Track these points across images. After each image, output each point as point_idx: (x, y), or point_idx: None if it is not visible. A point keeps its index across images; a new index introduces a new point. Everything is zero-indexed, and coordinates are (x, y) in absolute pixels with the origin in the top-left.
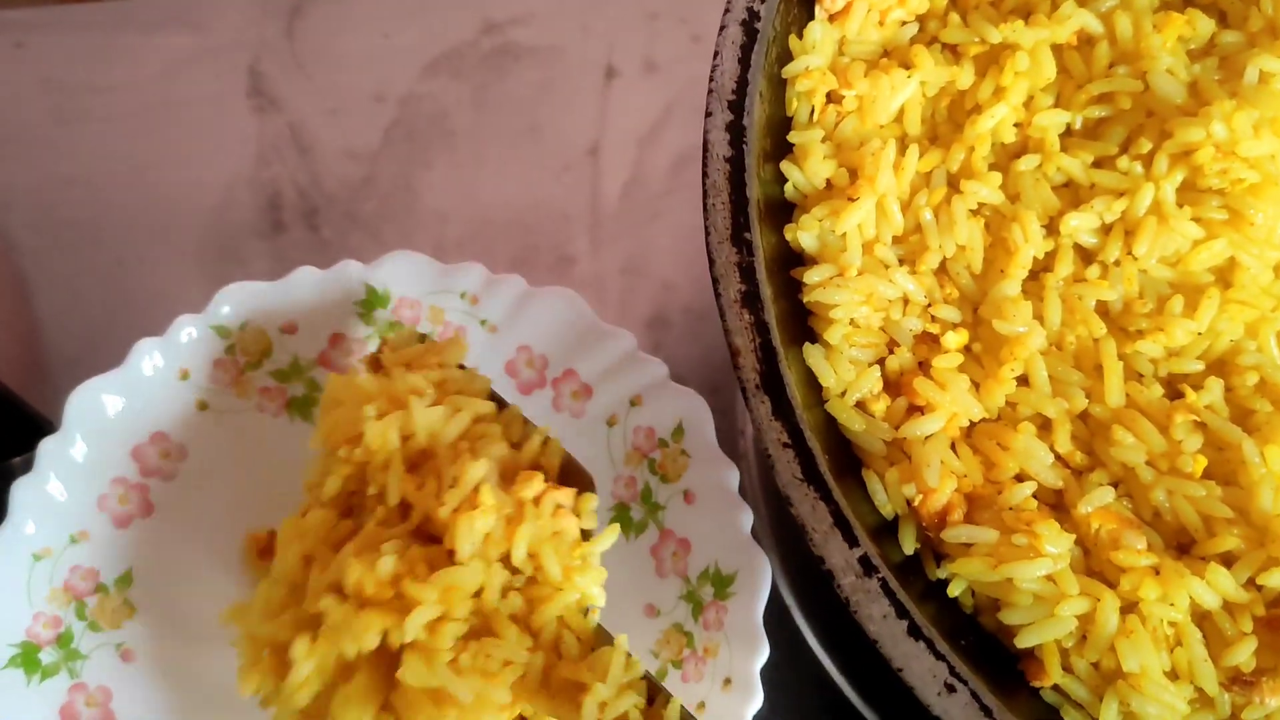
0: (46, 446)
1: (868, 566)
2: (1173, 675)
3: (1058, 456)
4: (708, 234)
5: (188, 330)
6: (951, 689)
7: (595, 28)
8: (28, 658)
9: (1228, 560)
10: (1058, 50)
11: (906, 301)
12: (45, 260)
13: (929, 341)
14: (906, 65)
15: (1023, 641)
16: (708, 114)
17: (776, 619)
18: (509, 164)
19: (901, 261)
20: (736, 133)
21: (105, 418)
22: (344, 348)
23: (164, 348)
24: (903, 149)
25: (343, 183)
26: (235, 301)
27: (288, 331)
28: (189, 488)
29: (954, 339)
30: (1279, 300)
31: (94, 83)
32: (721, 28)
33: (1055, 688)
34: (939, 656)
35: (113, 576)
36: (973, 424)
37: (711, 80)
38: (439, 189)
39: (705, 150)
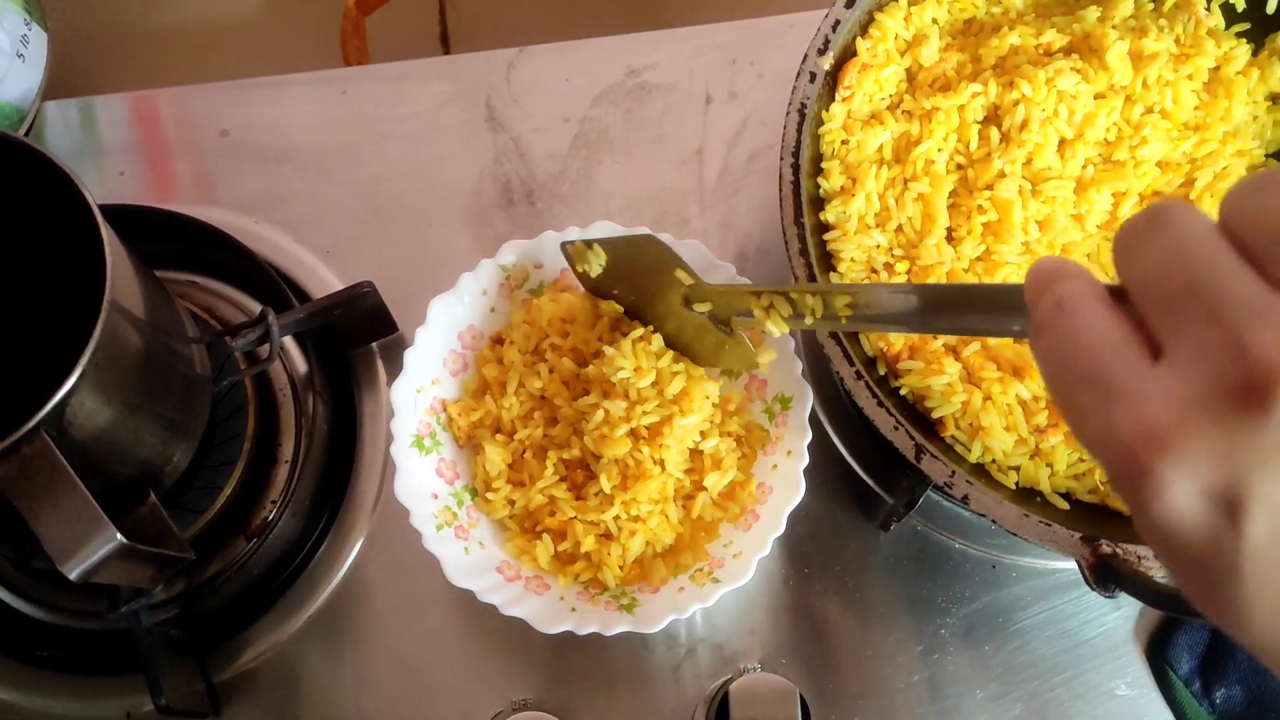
0: (419, 332)
1: (858, 375)
2: (1007, 429)
3: None
4: (782, 215)
5: (485, 264)
6: (897, 428)
7: (697, 70)
8: (418, 442)
9: (1032, 376)
10: (960, 109)
11: (878, 247)
12: (374, 226)
13: (889, 269)
14: (882, 122)
15: (936, 414)
16: (781, 158)
17: (815, 426)
18: (647, 161)
19: (877, 226)
20: (795, 166)
21: (446, 316)
22: (568, 275)
23: (470, 279)
24: (879, 167)
25: (547, 174)
26: (511, 250)
27: (537, 267)
28: (484, 352)
29: (901, 267)
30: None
31: (392, 115)
32: (787, 111)
33: (952, 436)
34: (890, 414)
35: (451, 399)
36: None
37: (783, 140)
38: (606, 178)
39: (780, 175)
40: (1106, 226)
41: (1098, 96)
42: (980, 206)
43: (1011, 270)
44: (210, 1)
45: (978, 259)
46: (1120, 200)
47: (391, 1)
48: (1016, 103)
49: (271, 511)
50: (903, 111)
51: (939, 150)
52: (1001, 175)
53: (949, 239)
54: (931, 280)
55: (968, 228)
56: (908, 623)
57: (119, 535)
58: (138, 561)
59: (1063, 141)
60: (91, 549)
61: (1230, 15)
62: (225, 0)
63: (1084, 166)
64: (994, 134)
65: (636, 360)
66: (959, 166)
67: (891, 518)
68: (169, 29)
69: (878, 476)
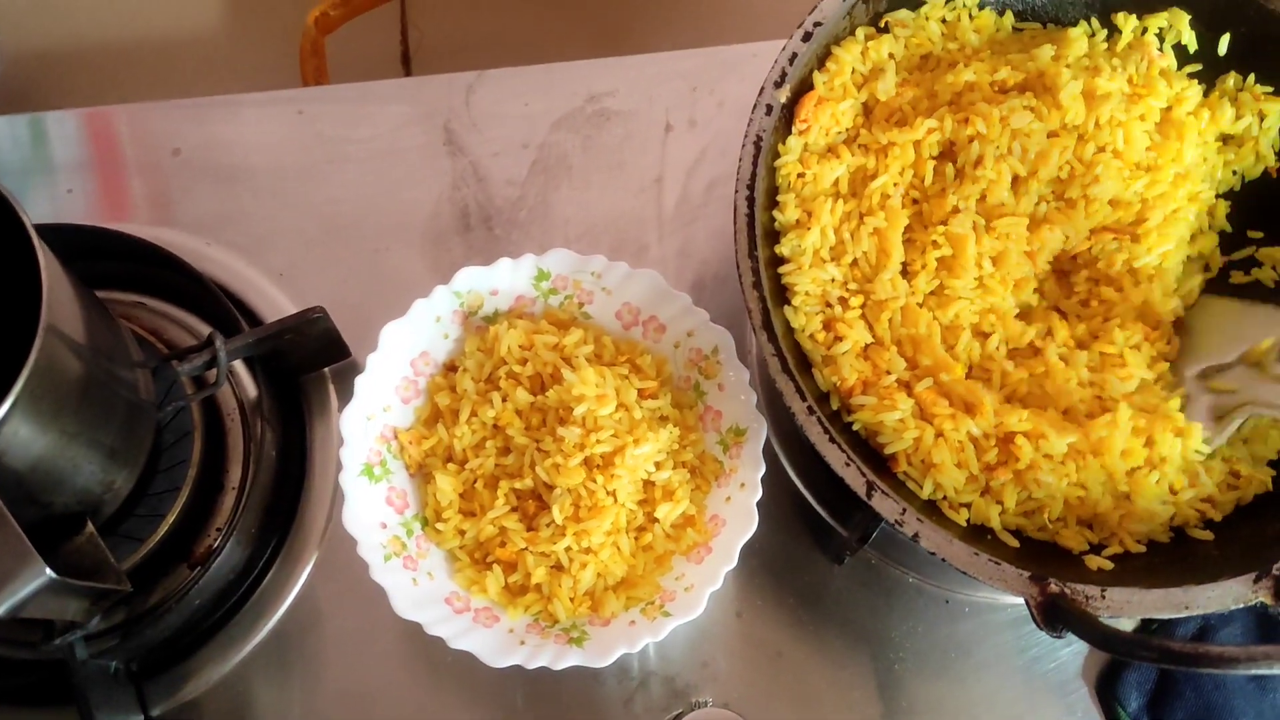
0: (370, 358)
1: (810, 410)
2: (958, 465)
3: (907, 360)
4: (736, 249)
5: (440, 290)
6: (848, 465)
7: (657, 98)
8: (368, 470)
9: (982, 413)
10: (915, 144)
11: (833, 281)
12: (329, 250)
13: (843, 303)
14: (838, 155)
15: (888, 450)
16: (736, 190)
17: (769, 458)
18: (606, 188)
19: (832, 260)
20: (750, 198)
21: (399, 343)
22: (523, 303)
23: (425, 304)
24: (835, 201)
25: (505, 200)
26: (466, 276)
27: (493, 294)
28: (437, 380)
29: (855, 301)
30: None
31: (349, 136)
32: (743, 144)
33: (904, 472)
34: (842, 450)
35: (403, 427)
36: (866, 346)
37: (738, 172)
38: (564, 204)
39: (735, 208)
40: (1059, 263)
41: (1051, 134)
42: (935, 241)
43: (964, 305)
44: (166, 18)
45: (932, 294)
46: (1072, 237)
47: (352, 21)
48: (971, 139)
49: (216, 539)
50: (859, 145)
51: (894, 185)
52: (956, 211)
53: (904, 273)
54: (885, 316)
55: (922, 262)
56: (862, 657)
57: (48, 571)
58: (70, 596)
59: (1016, 178)
60: (18, 585)
61: (1182, 56)
62: (182, 17)
63: (1037, 203)
64: (949, 169)
65: (598, 387)
66: (914, 201)
67: (845, 551)
68: (123, 45)
69: (832, 509)
